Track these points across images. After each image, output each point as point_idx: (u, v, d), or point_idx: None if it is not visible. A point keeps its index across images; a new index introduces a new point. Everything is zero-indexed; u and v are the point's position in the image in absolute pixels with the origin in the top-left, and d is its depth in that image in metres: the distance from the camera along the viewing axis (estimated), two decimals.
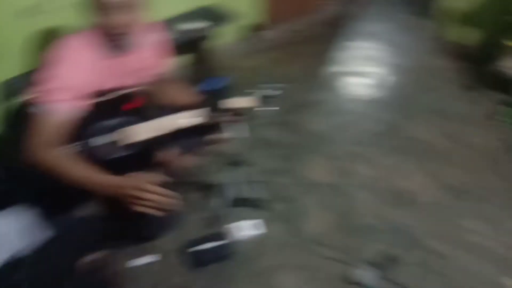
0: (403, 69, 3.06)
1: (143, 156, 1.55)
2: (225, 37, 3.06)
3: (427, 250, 1.82)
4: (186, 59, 3.01)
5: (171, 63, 1.83)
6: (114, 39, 1.41)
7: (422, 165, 2.26)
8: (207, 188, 2.05)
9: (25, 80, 2.07)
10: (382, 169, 2.23)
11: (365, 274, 1.69)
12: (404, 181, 2.16)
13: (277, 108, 1.99)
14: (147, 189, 1.16)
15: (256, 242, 1.84)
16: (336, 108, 2.68)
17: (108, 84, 1.49)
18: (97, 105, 1.42)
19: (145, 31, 1.62)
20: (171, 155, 1.87)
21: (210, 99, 1.65)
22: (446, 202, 2.06)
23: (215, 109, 1.60)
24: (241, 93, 1.70)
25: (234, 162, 1.93)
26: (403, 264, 1.74)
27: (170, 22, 2.61)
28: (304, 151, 2.34)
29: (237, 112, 1.63)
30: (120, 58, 1.51)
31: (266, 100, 1.86)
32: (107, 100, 1.47)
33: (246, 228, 1.87)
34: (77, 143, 1.38)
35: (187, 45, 2.64)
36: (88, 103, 1.40)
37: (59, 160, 1.27)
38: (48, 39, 2.16)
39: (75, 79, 1.35)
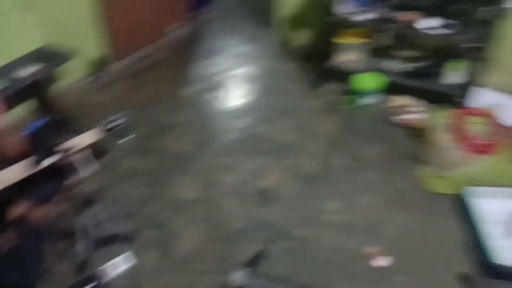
0: (253, 77, 3.27)
1: None
2: (69, 76, 2.95)
3: (293, 238, 1.97)
4: (28, 107, 2.83)
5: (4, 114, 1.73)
6: None
7: (279, 162, 2.43)
8: (70, 234, 1.94)
9: None
10: (244, 174, 2.35)
11: (241, 276, 1.76)
12: (265, 180, 2.31)
13: (133, 136, 1.99)
14: None
15: (130, 275, 1.80)
16: (195, 125, 2.75)
17: None
18: None
19: None
20: (24, 208, 1.76)
21: (44, 142, 1.60)
22: (303, 190, 2.25)
23: (53, 151, 1.55)
24: (84, 128, 1.68)
25: (92, 201, 1.86)
26: (273, 257, 1.86)
27: (5, 69, 2.45)
28: (168, 174, 2.35)
29: (85, 149, 1.61)
30: None
31: (117, 132, 1.85)
32: None
33: (116, 265, 1.81)
34: None
35: (27, 91, 2.50)
36: None
37: None
38: None
39: None
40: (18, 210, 1.71)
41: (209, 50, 3.64)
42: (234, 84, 3.19)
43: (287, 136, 2.64)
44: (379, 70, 2.86)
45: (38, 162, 1.51)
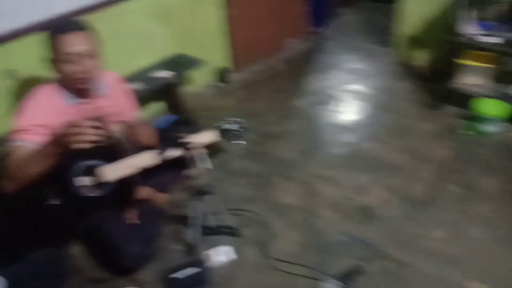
0: (368, 94, 3.26)
1: (119, 195, 1.67)
2: (196, 82, 3.29)
3: (390, 260, 1.92)
4: (160, 105, 3.21)
5: (137, 109, 2.01)
6: (77, 86, 1.60)
7: (384, 181, 2.39)
8: (182, 220, 2.17)
9: None
10: (346, 188, 2.36)
11: (332, 287, 1.78)
12: (367, 198, 2.29)
13: (244, 141, 2.15)
14: (79, 124, 1.27)
15: (229, 267, 1.94)
16: (303, 135, 2.84)
17: None
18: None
19: (108, 80, 1.82)
20: (148, 192, 2.02)
21: (170, 137, 1.82)
22: (407, 214, 2.18)
23: (177, 145, 1.75)
24: (205, 129, 1.88)
25: (205, 194, 2.05)
26: (368, 275, 1.84)
27: (144, 72, 2.84)
28: (273, 178, 2.47)
29: (201, 146, 1.77)
30: (86, 104, 1.69)
31: (231, 133, 2.01)
32: None
33: (219, 255, 1.97)
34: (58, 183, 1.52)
35: (160, 92, 2.86)
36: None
37: (15, 163, 1.42)
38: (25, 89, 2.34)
39: (39, 119, 1.52)
40: (143, 193, 1.97)
41: (324, 65, 3.73)
42: (346, 99, 3.22)
43: (395, 156, 2.58)
44: (504, 97, 2.65)
45: (164, 153, 1.71)
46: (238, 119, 1.94)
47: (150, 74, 2.80)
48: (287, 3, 3.76)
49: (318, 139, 2.80)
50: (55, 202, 1.53)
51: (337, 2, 4.58)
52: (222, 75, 3.49)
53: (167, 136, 1.88)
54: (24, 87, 2.33)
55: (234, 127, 1.94)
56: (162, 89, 2.82)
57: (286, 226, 2.15)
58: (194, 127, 2.18)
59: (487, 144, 2.61)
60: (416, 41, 3.43)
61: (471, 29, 2.61)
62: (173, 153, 1.70)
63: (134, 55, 2.85)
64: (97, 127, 1.29)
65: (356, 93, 3.28)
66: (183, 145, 1.72)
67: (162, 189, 2.12)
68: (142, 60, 2.92)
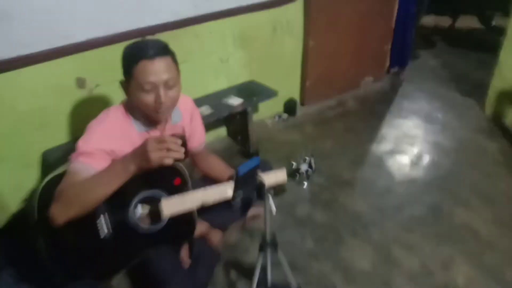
0: (448, 148, 2.91)
1: (174, 231, 1.49)
2: (266, 111, 3.09)
3: None
4: (225, 131, 3.04)
5: (204, 137, 1.82)
6: (152, 117, 1.42)
7: (472, 257, 2.03)
8: (236, 268, 1.93)
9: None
10: (427, 260, 2.02)
11: None
12: (451, 274, 1.94)
13: (314, 184, 1.90)
14: (166, 139, 1.18)
15: None
16: (377, 187, 2.54)
17: None
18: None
19: (183, 105, 1.64)
20: (205, 228, 1.81)
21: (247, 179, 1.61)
22: None
23: (251, 186, 1.54)
24: (274, 167, 1.67)
25: (265, 241, 1.81)
26: None
27: (214, 96, 2.69)
28: (342, 233, 2.19)
29: (271, 187, 1.54)
30: (157, 131, 1.51)
31: (301, 175, 1.79)
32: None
33: None
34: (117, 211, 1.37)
35: (227, 118, 2.68)
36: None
37: (73, 187, 1.24)
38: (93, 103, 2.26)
39: (106, 144, 1.35)
40: (200, 228, 1.76)
41: (401, 109, 3.42)
42: (426, 151, 2.89)
43: (484, 228, 2.21)
44: None
45: (237, 195, 1.49)
46: (309, 157, 1.71)
47: (220, 99, 2.64)
48: (371, 40, 3.52)
49: (394, 194, 2.48)
50: (105, 232, 1.37)
51: (421, 45, 4.29)
52: (290, 107, 3.28)
53: (245, 180, 1.63)
54: (93, 101, 2.24)
55: (304, 167, 1.71)
56: (229, 116, 2.64)
57: None
58: (267, 165, 1.96)
59: None
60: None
61: None
62: (244, 192, 1.48)
63: (207, 78, 2.71)
64: (182, 145, 1.21)
65: (437, 146, 2.94)
66: (257, 186, 1.49)
67: (219, 225, 1.89)
68: (214, 84, 2.78)
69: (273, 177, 1.56)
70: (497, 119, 3.16)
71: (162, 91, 1.33)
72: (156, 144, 1.17)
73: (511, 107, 3.07)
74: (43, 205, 1.28)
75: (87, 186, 1.24)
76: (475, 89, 3.55)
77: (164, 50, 1.35)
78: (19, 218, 2.18)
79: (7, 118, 2.03)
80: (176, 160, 1.20)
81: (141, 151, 1.19)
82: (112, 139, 1.38)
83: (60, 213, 1.24)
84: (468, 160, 2.79)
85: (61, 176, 1.30)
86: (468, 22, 5.16)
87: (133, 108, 1.46)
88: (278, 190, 1.58)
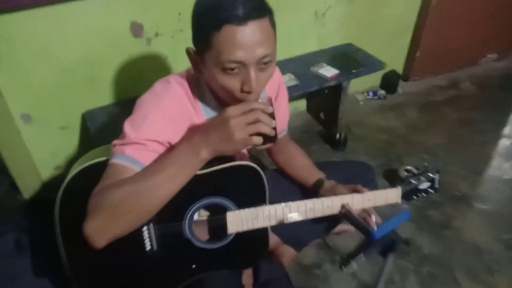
0: None
1: (238, 249, 1.11)
2: (354, 85, 2.44)
3: None
4: (305, 105, 2.47)
5: (288, 120, 1.35)
6: (233, 102, 0.88)
7: None
8: None
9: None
10: None
11: None
12: None
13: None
14: (252, 107, 0.79)
15: None
16: (505, 209, 1.88)
17: None
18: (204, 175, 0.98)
19: (271, 84, 1.11)
20: (276, 243, 1.35)
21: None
22: None
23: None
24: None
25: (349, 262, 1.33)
26: None
27: (303, 62, 2.10)
28: (455, 272, 1.60)
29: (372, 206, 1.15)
30: None
31: (418, 197, 1.25)
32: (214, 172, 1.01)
33: None
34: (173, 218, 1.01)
35: (316, 92, 2.08)
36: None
37: (117, 192, 0.81)
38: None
39: (163, 133, 0.93)
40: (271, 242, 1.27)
41: None
42: None
43: None
44: None
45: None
46: (431, 174, 1.24)
47: (308, 67, 2.04)
48: (504, 7, 2.68)
49: None
50: (149, 247, 1.02)
51: None
52: (390, 82, 2.61)
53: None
54: (151, 55, 1.76)
55: (424, 185, 1.23)
56: (317, 91, 2.03)
57: None
58: (367, 172, 1.41)
59: None
60: None
61: None
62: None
63: (295, 36, 2.12)
64: (271, 115, 0.81)
65: None
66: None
67: (293, 241, 1.40)
68: (303, 45, 2.18)
69: (385, 197, 1.16)
70: None
71: (253, 74, 0.84)
72: (242, 116, 0.78)
73: None
74: (67, 212, 0.95)
75: (142, 186, 0.82)
76: None
77: (260, 8, 0.82)
78: (48, 191, 1.82)
79: (49, 69, 1.60)
80: (266, 140, 0.81)
81: (220, 128, 0.79)
82: (172, 126, 0.95)
83: (103, 230, 0.82)
84: None
85: (98, 168, 0.89)
86: None
87: (202, 87, 1.00)
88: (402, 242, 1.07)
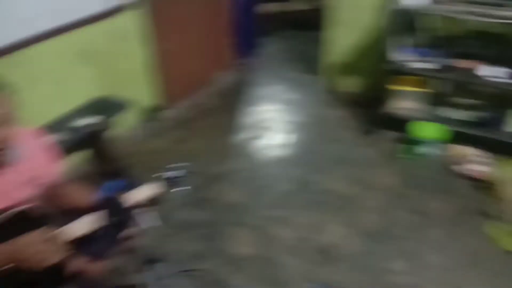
0: (303, 124, 3.22)
1: (50, 271, 1.33)
2: (124, 124, 2.99)
3: None
4: (85, 155, 2.87)
5: (62, 165, 1.70)
6: None
7: (337, 216, 2.32)
8: None
9: None
10: (301, 228, 2.24)
11: None
12: (324, 236, 2.19)
13: (188, 187, 1.90)
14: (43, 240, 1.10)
15: None
16: (247, 175, 2.69)
17: None
18: None
19: (25, 139, 1.51)
20: (81, 262, 1.71)
21: (110, 199, 1.57)
22: (366, 248, 2.12)
23: (117, 208, 1.51)
24: (144, 181, 1.64)
25: (152, 257, 1.80)
26: None
27: (65, 120, 2.51)
28: (223, 227, 2.28)
29: (144, 203, 1.55)
30: (2, 175, 1.37)
31: (173, 182, 1.80)
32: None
33: None
34: None
35: (84, 141, 2.53)
36: None
37: None
38: None
39: None
40: (75, 264, 1.66)
41: (256, 97, 3.65)
42: (283, 131, 3.15)
43: (343, 188, 2.53)
44: (438, 119, 2.75)
45: (104, 218, 1.45)
46: (183, 164, 1.74)
47: (72, 122, 2.48)
48: (214, 35, 3.65)
49: (262, 177, 2.67)
50: None
51: (262, 32, 4.57)
52: (153, 114, 3.24)
53: (109, 199, 1.57)
54: None
55: (180, 173, 1.74)
56: (86, 138, 2.50)
57: (246, 282, 1.96)
58: (132, 181, 1.92)
59: (427, 166, 2.68)
60: (345, 69, 3.48)
61: (403, 56, 2.69)
62: (113, 216, 1.46)
63: (53, 101, 2.51)
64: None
65: (292, 124, 3.23)
66: (125, 207, 1.47)
67: (97, 256, 1.81)
68: (62, 106, 2.58)
69: (141, 193, 1.56)
70: (335, 90, 3.58)
71: None
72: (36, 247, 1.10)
73: (344, 77, 3.51)
74: None
75: None
76: (315, 66, 3.93)
77: None
78: None
79: None
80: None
81: (19, 254, 1.10)
82: None
83: None
84: (320, 132, 3.13)
85: None
86: (300, 5, 5.63)
87: None
88: (152, 203, 1.57)
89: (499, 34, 2.62)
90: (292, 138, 3.06)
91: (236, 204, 2.44)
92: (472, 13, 2.47)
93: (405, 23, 2.76)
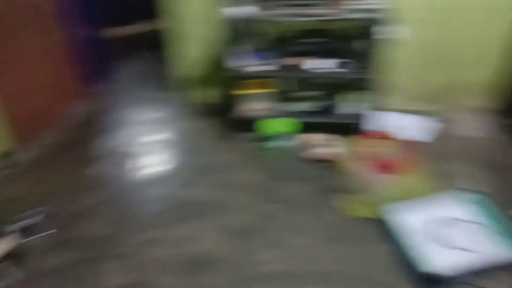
0: (166, 142, 3.26)
1: None
2: None
3: None
4: None
5: None
6: None
7: (208, 223, 2.41)
8: None
9: None
10: (176, 244, 2.27)
11: None
12: (198, 246, 2.26)
13: (53, 230, 1.80)
14: None
15: None
16: (112, 203, 2.63)
17: None
18: None
19: None
20: None
21: None
22: (238, 246, 2.24)
23: None
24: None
25: None
26: None
27: None
28: (95, 263, 2.20)
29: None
30: None
31: (29, 230, 1.72)
32: None
33: None
34: None
35: None
36: None
37: None
38: None
39: None
40: None
41: (115, 122, 3.58)
42: (146, 152, 3.15)
43: (212, 195, 2.63)
44: (286, 114, 3.03)
45: None
46: (37, 209, 1.67)
47: None
48: (53, 68, 3.50)
49: (130, 202, 2.64)
50: None
51: (117, 56, 4.49)
52: (4, 160, 2.98)
53: None
54: None
55: (36, 219, 1.68)
56: None
57: None
58: None
59: (283, 158, 2.93)
60: (198, 81, 3.62)
61: (241, 62, 2.90)
62: None
63: None
64: None
65: (154, 143, 3.26)
66: None
67: None
68: None
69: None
70: (191, 103, 3.70)
71: None
72: None
73: (197, 89, 3.66)
74: None
75: None
76: (169, 83, 3.99)
77: None
78: None
79: None
80: None
81: None
82: None
83: None
84: (183, 145, 3.21)
85: None
86: (146, 26, 5.64)
87: None
88: (8, 258, 1.48)
89: (322, 30, 2.99)
90: (156, 157, 3.08)
91: (105, 236, 2.37)
92: (291, 14, 2.78)
93: (240, 31, 2.98)
